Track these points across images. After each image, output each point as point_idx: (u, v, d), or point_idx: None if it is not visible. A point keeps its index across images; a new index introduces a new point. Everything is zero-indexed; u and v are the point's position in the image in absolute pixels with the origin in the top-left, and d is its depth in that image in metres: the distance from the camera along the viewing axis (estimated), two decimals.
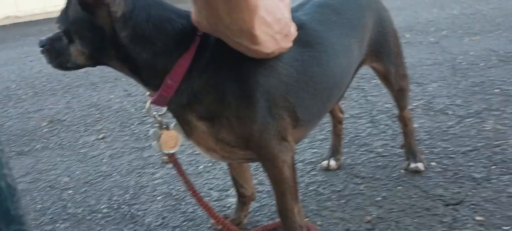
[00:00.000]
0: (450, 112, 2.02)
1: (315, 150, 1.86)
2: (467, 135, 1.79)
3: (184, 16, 1.05)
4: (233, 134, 1.07)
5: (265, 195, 1.57)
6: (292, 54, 1.11)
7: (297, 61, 1.12)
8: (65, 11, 1.06)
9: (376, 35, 1.39)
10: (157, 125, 1.16)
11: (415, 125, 1.76)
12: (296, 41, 1.11)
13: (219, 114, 1.06)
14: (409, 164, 1.59)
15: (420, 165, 1.57)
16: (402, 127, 1.65)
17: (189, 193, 1.61)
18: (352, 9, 1.32)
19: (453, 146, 1.72)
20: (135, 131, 2.36)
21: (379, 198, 1.47)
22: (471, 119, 1.92)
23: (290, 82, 1.10)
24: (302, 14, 1.23)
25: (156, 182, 1.79)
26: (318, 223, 1.39)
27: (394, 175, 1.59)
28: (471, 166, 1.57)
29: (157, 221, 1.52)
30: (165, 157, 1.48)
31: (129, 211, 1.61)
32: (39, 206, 1.74)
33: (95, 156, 2.13)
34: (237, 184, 1.40)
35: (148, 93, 1.13)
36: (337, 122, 1.69)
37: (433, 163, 1.62)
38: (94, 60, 1.08)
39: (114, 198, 1.72)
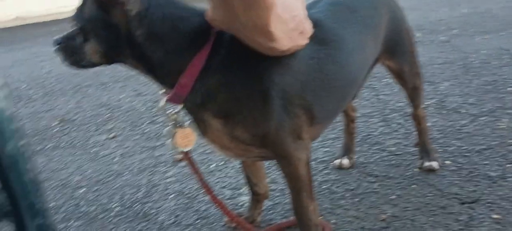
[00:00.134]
0: (463, 111, 2.00)
1: (327, 149, 1.85)
2: (481, 133, 1.77)
3: (199, 14, 1.05)
4: (248, 132, 1.06)
5: (278, 194, 1.57)
6: (307, 52, 1.10)
7: (313, 59, 1.11)
8: (80, 9, 1.06)
9: (390, 33, 1.38)
10: (172, 123, 1.15)
11: (428, 124, 1.74)
12: (311, 38, 1.10)
13: (234, 113, 1.05)
14: (423, 163, 1.57)
15: (435, 164, 1.56)
16: (415, 125, 1.64)
17: (201, 191, 1.62)
18: (366, 6, 1.31)
19: (467, 145, 1.70)
20: (146, 130, 2.37)
21: (393, 197, 1.46)
22: (484, 118, 1.90)
23: (306, 81, 1.09)
24: (316, 12, 1.22)
25: (168, 180, 1.79)
26: (332, 221, 1.38)
27: (408, 174, 1.57)
28: (486, 164, 1.55)
29: (170, 219, 1.52)
30: (178, 155, 1.49)
31: (142, 209, 1.61)
32: (52, 204, 1.74)
33: (106, 155, 2.13)
34: (250, 182, 1.40)
35: (162, 91, 1.13)
36: (349, 121, 1.68)
37: (448, 162, 1.60)
38: (109, 58, 1.08)
39: (126, 196, 1.72)
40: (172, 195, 1.67)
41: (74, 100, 3.10)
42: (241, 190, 1.63)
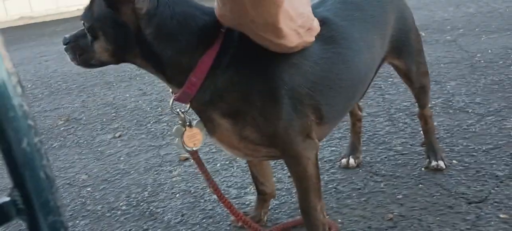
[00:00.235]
0: (470, 110, 1.99)
1: (333, 148, 1.85)
2: (488, 133, 1.77)
3: (208, 12, 1.05)
4: (257, 132, 1.06)
5: (284, 193, 1.57)
6: (317, 51, 1.10)
7: (322, 59, 1.11)
8: (89, 8, 1.06)
9: (398, 32, 1.38)
10: (180, 122, 1.15)
11: (435, 123, 1.74)
12: (320, 37, 1.10)
13: (243, 112, 1.05)
14: (430, 162, 1.57)
15: (441, 163, 1.55)
16: (422, 125, 1.64)
17: (208, 190, 1.62)
18: (374, 5, 1.31)
19: (474, 144, 1.70)
20: (151, 129, 2.37)
21: (400, 196, 1.45)
22: (491, 117, 1.89)
23: (315, 80, 1.09)
24: (325, 10, 1.22)
25: (174, 179, 1.79)
26: (338, 220, 1.38)
27: (414, 173, 1.57)
28: (493, 164, 1.55)
29: (176, 218, 1.52)
30: (184, 154, 1.49)
31: (148, 208, 1.61)
32: None
33: (112, 154, 2.14)
34: (257, 182, 1.40)
35: (170, 90, 1.13)
36: (356, 120, 1.68)
37: (454, 161, 1.60)
38: (118, 57, 1.08)
39: (133, 195, 1.72)
40: (178, 194, 1.67)
41: (80, 99, 3.11)
42: (247, 189, 1.63)
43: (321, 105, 1.11)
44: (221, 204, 1.27)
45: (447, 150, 1.68)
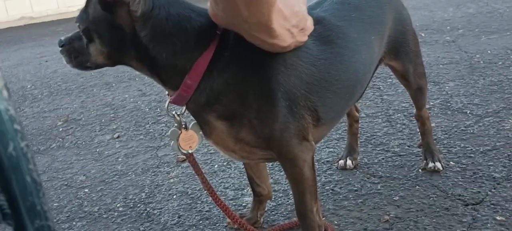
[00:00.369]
0: (468, 111, 1.99)
1: (331, 149, 1.84)
2: (486, 134, 1.76)
3: (204, 14, 1.05)
4: (253, 134, 1.06)
5: (281, 194, 1.56)
6: (314, 52, 1.10)
7: (319, 60, 1.11)
8: (84, 10, 1.06)
9: (395, 33, 1.37)
10: (176, 124, 1.15)
11: (432, 124, 1.74)
12: (317, 38, 1.10)
13: (239, 114, 1.05)
14: (427, 164, 1.57)
15: (439, 165, 1.55)
16: (419, 126, 1.63)
17: (204, 192, 1.62)
18: (371, 6, 1.30)
19: (471, 145, 1.69)
20: (150, 130, 2.37)
21: (396, 198, 1.45)
22: (489, 118, 1.89)
23: (312, 82, 1.08)
24: (322, 11, 1.22)
25: (171, 181, 1.79)
26: (335, 222, 1.37)
27: (411, 175, 1.57)
28: (490, 165, 1.54)
29: (173, 220, 1.52)
30: (182, 156, 1.48)
31: (145, 210, 1.61)
32: (55, 204, 1.75)
33: (110, 155, 2.14)
34: (253, 183, 1.40)
35: (167, 92, 1.13)
36: (353, 121, 1.68)
37: (452, 163, 1.60)
38: (114, 59, 1.07)
39: (130, 196, 1.72)
40: (175, 196, 1.67)
41: (79, 100, 3.11)
42: (244, 191, 1.63)
43: (318, 107, 1.10)
44: (218, 207, 1.27)
45: (444, 151, 1.68)
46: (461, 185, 1.46)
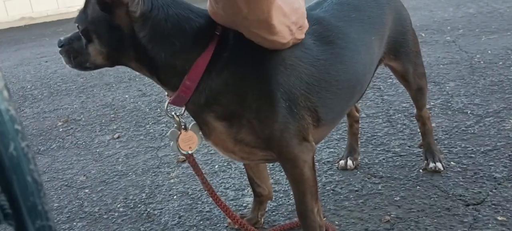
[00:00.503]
0: (468, 111, 1.99)
1: (331, 150, 1.84)
2: (486, 134, 1.76)
3: (202, 15, 1.05)
4: (253, 134, 1.06)
5: (281, 195, 1.56)
6: (314, 53, 1.10)
7: (319, 60, 1.10)
8: (83, 11, 1.06)
9: (395, 33, 1.37)
10: (175, 125, 1.15)
11: (433, 124, 1.74)
12: (318, 39, 1.10)
13: (238, 115, 1.05)
14: (428, 164, 1.57)
15: (439, 165, 1.55)
16: (420, 126, 1.63)
17: (205, 192, 1.61)
18: (371, 6, 1.30)
19: (472, 146, 1.69)
20: (150, 131, 2.37)
21: (397, 198, 1.45)
22: (490, 118, 1.89)
23: (312, 82, 1.08)
24: (322, 11, 1.22)
25: (172, 181, 1.79)
26: (336, 223, 1.37)
27: (412, 175, 1.57)
28: (491, 165, 1.54)
29: (173, 220, 1.52)
30: (182, 157, 1.48)
31: (146, 210, 1.61)
32: (56, 204, 1.75)
33: (110, 155, 2.14)
34: (254, 184, 1.39)
35: (166, 93, 1.13)
36: (353, 121, 1.68)
37: (453, 163, 1.60)
38: (112, 60, 1.07)
39: (130, 197, 1.72)
40: (176, 196, 1.67)
41: (79, 100, 3.11)
42: (245, 191, 1.63)
43: (318, 108, 1.10)
44: (218, 207, 1.27)
45: (445, 151, 1.68)
46: (462, 185, 1.46)
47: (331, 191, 1.54)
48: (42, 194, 0.51)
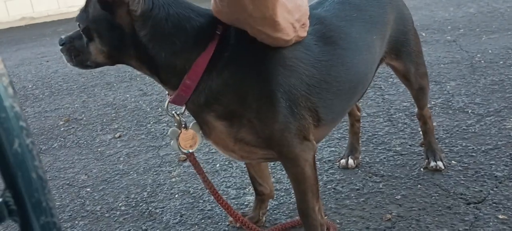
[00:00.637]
0: (469, 110, 1.99)
1: (332, 149, 1.85)
2: (487, 133, 1.76)
3: (203, 14, 1.05)
4: (253, 134, 1.06)
5: (283, 193, 1.56)
6: (315, 52, 1.10)
7: (320, 60, 1.10)
8: (84, 10, 1.06)
9: (397, 33, 1.37)
10: (176, 124, 1.15)
11: (434, 123, 1.74)
12: (319, 39, 1.10)
13: (238, 114, 1.05)
14: (429, 163, 1.57)
15: (440, 164, 1.55)
16: (421, 125, 1.64)
17: (206, 191, 1.62)
18: (373, 5, 1.31)
19: (473, 145, 1.69)
20: (151, 130, 2.37)
21: (398, 197, 1.45)
22: (491, 117, 1.89)
23: (313, 82, 1.08)
24: (323, 11, 1.22)
25: (173, 180, 1.79)
26: (337, 221, 1.38)
27: (413, 174, 1.57)
28: (492, 164, 1.55)
29: (175, 219, 1.52)
30: (183, 155, 1.49)
31: (147, 209, 1.61)
32: (57, 203, 1.75)
33: (112, 155, 2.14)
34: (255, 182, 1.40)
35: (167, 92, 1.13)
36: (354, 120, 1.68)
37: (453, 162, 1.60)
38: (113, 58, 1.08)
39: (132, 195, 1.72)
40: (177, 195, 1.67)
41: (80, 100, 3.11)
42: (246, 190, 1.63)
43: (318, 108, 1.10)
44: (220, 205, 1.27)
45: (446, 150, 1.68)
46: (463, 183, 1.46)
47: (332, 190, 1.55)
48: (47, 190, 0.51)
